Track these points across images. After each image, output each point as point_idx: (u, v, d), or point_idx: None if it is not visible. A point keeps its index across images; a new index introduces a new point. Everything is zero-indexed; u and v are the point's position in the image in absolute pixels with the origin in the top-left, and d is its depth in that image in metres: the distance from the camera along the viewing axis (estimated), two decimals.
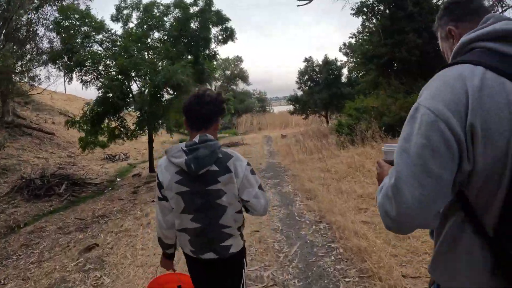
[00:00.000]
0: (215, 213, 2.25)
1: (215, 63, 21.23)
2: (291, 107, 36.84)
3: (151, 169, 16.27)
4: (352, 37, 18.82)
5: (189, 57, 16.89)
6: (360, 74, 21.56)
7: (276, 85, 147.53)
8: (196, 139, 2.19)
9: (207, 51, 17.69)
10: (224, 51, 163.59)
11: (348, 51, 32.46)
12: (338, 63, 33.16)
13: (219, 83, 53.37)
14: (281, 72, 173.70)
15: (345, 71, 33.37)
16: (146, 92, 15.69)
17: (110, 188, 14.82)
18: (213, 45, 18.04)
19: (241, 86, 55.23)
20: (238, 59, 55.34)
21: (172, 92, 16.16)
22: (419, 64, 15.21)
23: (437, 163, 1.09)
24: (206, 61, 17.79)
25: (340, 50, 32.69)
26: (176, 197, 2.24)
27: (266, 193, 2.42)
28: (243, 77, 55.30)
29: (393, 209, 1.13)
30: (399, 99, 14.24)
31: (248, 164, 2.32)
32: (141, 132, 16.38)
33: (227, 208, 2.25)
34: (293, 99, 35.06)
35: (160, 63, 15.88)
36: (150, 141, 17.07)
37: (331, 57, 33.74)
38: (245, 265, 2.47)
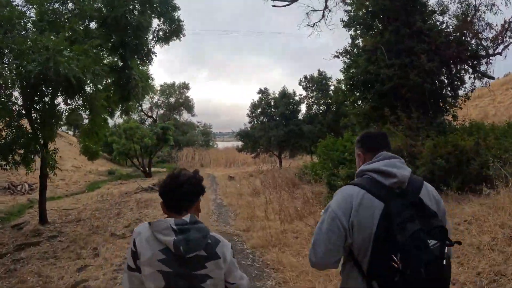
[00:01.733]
0: None
1: (150, 70, 16.10)
2: (238, 143, 33.85)
3: (42, 218, 11.70)
4: (338, 56, 13.88)
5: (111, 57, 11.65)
6: (347, 103, 16.92)
7: (224, 120, 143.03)
8: (187, 218, 2.09)
9: (139, 49, 11.81)
10: (162, 77, 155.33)
11: (308, 84, 28.69)
12: (297, 97, 29.18)
13: (161, 111, 47.64)
14: (231, 107, 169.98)
15: (303, 107, 30.14)
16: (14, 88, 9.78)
17: None
18: (150, 43, 12.50)
19: (185, 116, 49.63)
20: (185, 86, 50.25)
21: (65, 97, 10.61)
22: (433, 93, 11.85)
23: (334, 237, 2.01)
24: (134, 64, 12.26)
25: (300, 83, 29.02)
26: (157, 275, 2.01)
27: None
28: (188, 106, 49.71)
29: (312, 256, 2.11)
30: (417, 138, 9.71)
31: (231, 247, 2.27)
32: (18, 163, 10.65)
33: None
34: (243, 134, 30.63)
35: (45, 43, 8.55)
36: (42, 177, 11.93)
37: (289, 90, 29.44)
38: None
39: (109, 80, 11.61)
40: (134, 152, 27.64)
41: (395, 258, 1.76)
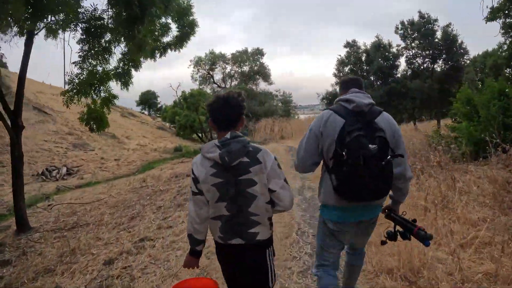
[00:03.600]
0: (245, 201, 2.32)
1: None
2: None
3: (20, 223, 8.61)
4: None
5: None
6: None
7: (302, 94, 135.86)
8: (228, 135, 2.31)
9: None
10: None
11: (408, 32, 21.91)
12: (394, 49, 22.51)
13: (235, 82, 42.14)
14: (312, 80, 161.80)
15: (402, 61, 23.65)
16: None
17: None
18: None
19: (262, 86, 43.69)
20: (258, 52, 42.85)
21: None
22: None
23: (310, 142, 2.66)
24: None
25: (396, 31, 22.34)
26: (212, 188, 2.33)
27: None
28: (264, 74, 42.63)
29: (296, 161, 2.80)
30: None
31: (275, 158, 2.42)
32: None
33: (257, 197, 2.33)
34: (330, 98, 24.35)
35: None
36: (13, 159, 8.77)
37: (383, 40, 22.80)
38: (272, 253, 2.50)
39: None
40: (199, 124, 22.43)
41: (343, 153, 2.39)
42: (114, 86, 10.84)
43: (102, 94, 9.65)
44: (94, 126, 9.89)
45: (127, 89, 9.88)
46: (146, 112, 54.76)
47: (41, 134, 21.65)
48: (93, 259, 5.87)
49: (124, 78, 9.71)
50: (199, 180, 2.34)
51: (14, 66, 52.90)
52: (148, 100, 56.83)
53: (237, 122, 2.36)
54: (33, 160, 17.69)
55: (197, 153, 18.20)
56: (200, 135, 24.27)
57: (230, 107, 2.32)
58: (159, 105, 56.05)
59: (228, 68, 42.36)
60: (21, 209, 8.51)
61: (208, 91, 36.75)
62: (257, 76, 42.51)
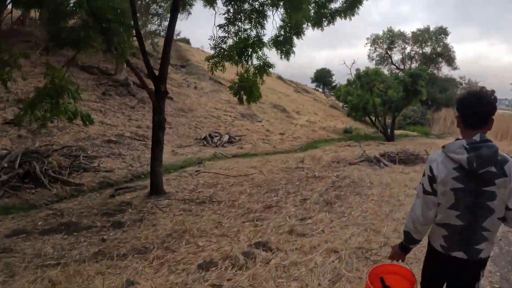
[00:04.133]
0: (482, 214, 2.11)
1: None
2: None
3: (154, 187, 8.23)
4: None
5: None
6: None
7: (488, 85, 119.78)
8: (477, 137, 2.09)
9: None
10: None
11: None
12: None
13: (415, 64, 37.74)
14: (501, 69, 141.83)
15: None
16: None
17: None
18: None
19: (444, 70, 38.40)
20: (442, 31, 37.08)
21: None
22: None
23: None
24: None
25: None
26: (449, 192, 2.12)
27: None
28: (448, 57, 37.03)
29: None
30: None
31: None
32: None
33: (494, 212, 2.10)
34: None
35: None
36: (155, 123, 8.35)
37: None
38: (483, 274, 2.27)
39: None
40: (372, 107, 20.03)
41: None
42: (274, 55, 9.55)
43: (256, 62, 8.51)
44: (244, 97, 8.81)
45: (288, 58, 8.88)
46: (320, 90, 53.74)
47: (213, 102, 22.18)
48: (193, 254, 4.62)
49: (285, 47, 8.68)
50: (437, 180, 2.11)
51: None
52: (323, 77, 55.45)
53: (487, 123, 2.11)
54: (200, 125, 17.90)
55: (368, 138, 15.72)
56: (372, 118, 21.78)
57: (482, 105, 2.08)
58: (333, 84, 54.16)
59: (408, 48, 38.25)
60: (156, 173, 8.08)
61: (386, 72, 33.50)
62: (440, 59, 37.32)
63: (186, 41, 40.78)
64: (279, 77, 39.53)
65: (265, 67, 8.47)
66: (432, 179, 2.15)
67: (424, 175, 2.22)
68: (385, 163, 10.28)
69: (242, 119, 21.23)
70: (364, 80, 19.16)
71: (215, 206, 6.96)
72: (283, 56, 8.77)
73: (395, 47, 38.50)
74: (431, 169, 2.16)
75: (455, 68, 37.53)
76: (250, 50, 8.12)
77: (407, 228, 2.35)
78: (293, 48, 8.79)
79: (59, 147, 10.64)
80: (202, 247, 4.85)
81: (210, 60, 8.26)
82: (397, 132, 24.61)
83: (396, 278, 2.60)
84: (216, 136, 16.50)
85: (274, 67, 8.70)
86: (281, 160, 12.01)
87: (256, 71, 8.55)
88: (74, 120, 7.84)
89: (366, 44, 39.13)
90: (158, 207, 7.14)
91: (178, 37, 33.83)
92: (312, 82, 55.66)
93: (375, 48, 38.64)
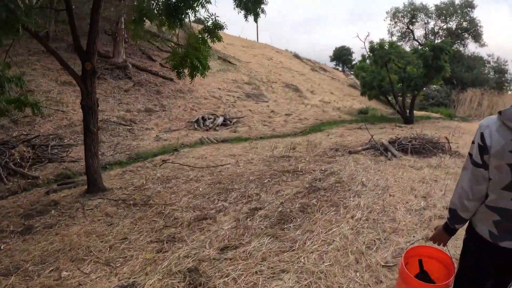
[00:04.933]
0: None
1: None
2: None
3: (91, 182, 6.55)
4: None
5: None
6: None
7: None
8: None
9: None
10: None
11: None
12: None
13: (439, 40, 34.40)
14: None
15: None
16: None
17: None
18: None
19: (471, 47, 34.92)
20: (468, 4, 33.11)
21: None
22: None
23: None
24: None
25: None
26: (505, 168, 1.74)
27: None
28: (475, 33, 33.09)
29: None
30: None
31: None
32: None
33: None
34: None
35: None
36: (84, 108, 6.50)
37: None
38: None
39: None
40: (389, 85, 17.50)
41: None
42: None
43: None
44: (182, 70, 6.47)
45: (256, 19, 6.84)
46: (340, 68, 50.90)
47: (217, 82, 20.59)
48: None
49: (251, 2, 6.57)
50: (490, 151, 1.75)
51: None
52: (342, 56, 52.22)
53: None
54: (198, 107, 16.33)
55: (384, 119, 13.13)
56: (389, 98, 19.19)
57: None
58: (353, 62, 51.18)
59: (431, 23, 34.85)
60: (91, 167, 6.36)
61: (408, 49, 30.49)
62: (466, 35, 33.82)
63: (202, 21, 38.56)
64: (296, 55, 37.25)
65: (214, 31, 6.28)
66: (483, 149, 1.77)
67: (473, 142, 1.86)
68: (394, 153, 8.07)
69: (246, 99, 19.38)
70: (378, 53, 16.65)
71: (141, 211, 5.23)
72: (249, 17, 6.65)
73: (417, 21, 35.14)
74: (482, 137, 1.78)
75: (482, 45, 33.80)
76: (183, 4, 5.78)
77: (453, 205, 1.96)
78: (263, 6, 6.61)
79: (32, 137, 9.82)
80: (61, 280, 3.49)
81: (131, 25, 6.08)
82: (417, 113, 22.13)
83: (433, 263, 2.34)
84: (209, 119, 14.75)
85: (225, 29, 6.53)
86: (271, 146, 9.97)
87: (203, 36, 6.32)
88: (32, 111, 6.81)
89: (386, 18, 36.01)
90: (83, 209, 5.67)
91: None
92: (331, 61, 52.75)
93: (395, 23, 35.35)
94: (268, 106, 18.85)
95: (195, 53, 6.00)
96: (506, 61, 34.01)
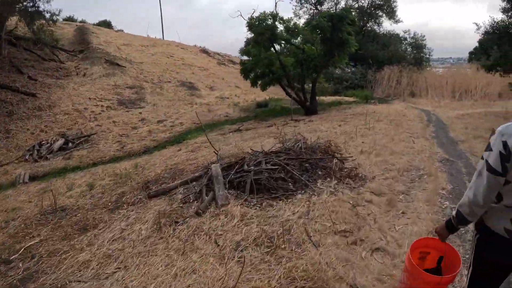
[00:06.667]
0: None
1: None
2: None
3: None
4: None
5: None
6: None
7: (437, 45, 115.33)
8: None
9: None
10: None
11: None
12: None
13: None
14: (450, 32, 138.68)
15: None
16: None
17: None
18: None
19: (386, 26, 32.30)
20: None
21: None
22: None
23: None
24: None
25: None
26: None
27: None
28: (389, 9, 30.45)
29: None
30: None
31: None
32: None
33: None
34: (487, 42, 15.24)
35: None
36: None
37: None
38: None
39: None
40: (280, 69, 13.95)
41: None
42: None
43: None
44: None
45: None
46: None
47: (95, 89, 17.79)
48: None
49: None
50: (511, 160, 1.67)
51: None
52: None
53: None
54: (50, 127, 13.56)
55: (285, 112, 15.04)
56: (285, 86, 15.42)
57: None
58: None
59: (342, 2, 31.23)
60: None
61: None
62: (380, 13, 31.11)
63: (108, 24, 37.50)
64: (203, 50, 33.98)
65: None
66: (505, 157, 1.70)
67: (489, 149, 1.76)
68: (218, 197, 4.44)
69: (116, 108, 16.20)
70: (256, 30, 12.91)
71: None
72: None
73: (326, 1, 31.64)
74: (505, 145, 1.70)
75: (397, 21, 31.05)
76: None
77: (462, 210, 1.91)
78: None
79: None
80: None
81: None
82: (327, 99, 18.94)
83: (434, 256, 2.35)
84: (47, 143, 11.75)
85: None
86: (67, 186, 6.39)
87: None
88: None
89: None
90: None
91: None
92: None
93: (302, 4, 31.45)
94: (141, 113, 15.73)
95: None
96: (424, 36, 31.78)
